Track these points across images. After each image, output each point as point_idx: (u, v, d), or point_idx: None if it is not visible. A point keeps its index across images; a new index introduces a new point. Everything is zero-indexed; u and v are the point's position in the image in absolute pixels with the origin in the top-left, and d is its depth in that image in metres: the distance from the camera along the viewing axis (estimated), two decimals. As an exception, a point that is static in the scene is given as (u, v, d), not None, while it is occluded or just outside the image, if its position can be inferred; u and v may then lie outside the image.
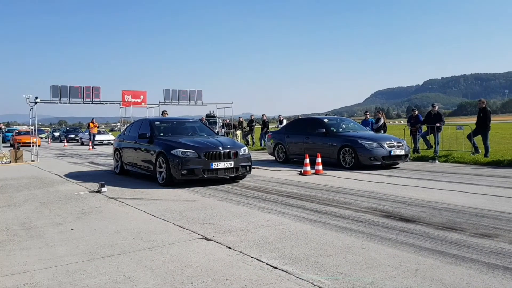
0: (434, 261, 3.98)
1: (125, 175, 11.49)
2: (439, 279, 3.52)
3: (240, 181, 9.87)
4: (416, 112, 16.90)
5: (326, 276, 3.66)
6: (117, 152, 11.85)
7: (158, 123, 10.93)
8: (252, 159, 10.06)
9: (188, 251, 4.47)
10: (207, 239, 4.93)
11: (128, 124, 12.39)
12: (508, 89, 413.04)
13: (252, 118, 24.95)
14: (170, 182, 9.12)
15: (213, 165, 8.98)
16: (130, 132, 11.53)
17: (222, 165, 9.09)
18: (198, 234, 5.16)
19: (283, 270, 3.82)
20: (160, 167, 9.36)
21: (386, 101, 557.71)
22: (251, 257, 4.22)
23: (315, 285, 3.47)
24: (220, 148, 9.24)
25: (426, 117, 15.81)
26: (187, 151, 8.97)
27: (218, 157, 9.10)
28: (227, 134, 24.35)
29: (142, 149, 10.28)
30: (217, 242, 4.78)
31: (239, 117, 26.43)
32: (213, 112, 30.94)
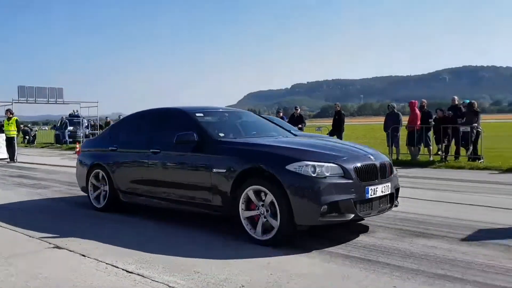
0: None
1: (115, 212, 6.33)
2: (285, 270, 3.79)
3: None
4: (281, 114, 18.03)
5: (182, 276, 3.70)
6: (100, 172, 6.49)
7: (201, 115, 5.85)
8: None
9: (36, 262, 4.14)
10: (60, 248, 4.62)
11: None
12: (363, 93, 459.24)
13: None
14: (288, 235, 4.48)
15: (369, 192, 4.59)
16: (130, 135, 6.47)
17: (379, 190, 4.71)
18: (49, 243, 4.81)
19: (138, 274, 3.76)
20: (249, 203, 4.67)
21: (258, 103, 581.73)
22: (106, 263, 4.06)
23: (170, 286, 3.48)
24: (371, 157, 4.87)
25: (290, 119, 16.91)
26: (324, 165, 4.45)
27: (374, 176, 4.71)
28: (92, 135, 23.04)
29: (182, 163, 5.42)
30: (70, 251, 4.51)
31: (106, 117, 25.21)
32: (77, 111, 28.95)
